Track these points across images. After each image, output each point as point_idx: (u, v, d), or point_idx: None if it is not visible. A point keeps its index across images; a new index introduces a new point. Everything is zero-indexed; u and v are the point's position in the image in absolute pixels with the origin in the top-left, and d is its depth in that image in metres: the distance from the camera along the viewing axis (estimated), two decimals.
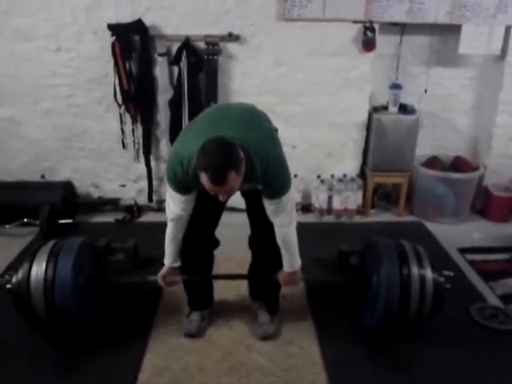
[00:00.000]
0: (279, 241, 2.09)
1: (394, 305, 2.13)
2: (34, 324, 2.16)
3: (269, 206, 2.00)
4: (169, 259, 2.17)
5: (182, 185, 1.94)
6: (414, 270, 2.15)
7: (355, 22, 3.31)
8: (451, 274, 2.24)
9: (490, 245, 3.26)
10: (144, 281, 2.33)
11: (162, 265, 2.19)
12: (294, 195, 2.09)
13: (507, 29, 3.37)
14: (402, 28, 3.44)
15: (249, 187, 1.98)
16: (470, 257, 3.09)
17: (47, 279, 2.07)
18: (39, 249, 2.20)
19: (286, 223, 2.05)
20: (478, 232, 3.45)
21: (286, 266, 2.16)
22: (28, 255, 2.18)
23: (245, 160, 1.78)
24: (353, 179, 3.67)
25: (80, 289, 2.18)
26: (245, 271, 2.46)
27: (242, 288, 2.56)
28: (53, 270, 2.09)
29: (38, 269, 2.10)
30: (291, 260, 2.14)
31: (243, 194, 2.19)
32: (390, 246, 2.26)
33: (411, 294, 2.11)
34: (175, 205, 2.03)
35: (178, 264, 2.20)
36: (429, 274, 2.15)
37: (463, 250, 3.16)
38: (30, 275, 2.09)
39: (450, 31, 3.42)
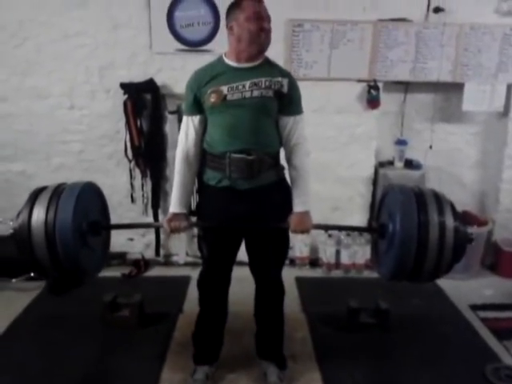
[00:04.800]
0: (297, 170, 2.08)
1: (409, 256, 1.95)
2: (39, 270, 2.05)
3: (291, 125, 2.05)
4: (174, 204, 2.12)
5: (195, 96, 2.03)
6: (434, 216, 1.94)
7: (359, 80, 3.41)
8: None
9: (502, 301, 3.19)
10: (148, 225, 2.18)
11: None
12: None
13: (509, 87, 3.46)
14: (405, 86, 3.53)
15: (274, 84, 2.04)
16: (483, 314, 3.01)
17: (48, 222, 1.93)
18: (41, 191, 2.06)
19: (305, 146, 2.09)
20: (489, 288, 3.39)
21: (299, 204, 2.08)
22: (30, 198, 2.04)
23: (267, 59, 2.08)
24: (361, 233, 3.65)
25: (82, 231, 2.04)
26: (252, 326, 2.41)
27: (248, 345, 2.49)
28: (54, 213, 1.95)
29: (39, 212, 1.96)
30: (305, 194, 2.09)
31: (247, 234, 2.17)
32: (407, 190, 2.09)
33: (429, 244, 1.93)
34: (189, 135, 2.12)
35: (183, 211, 2.13)
36: (450, 221, 1.94)
37: (475, 307, 3.09)
38: (31, 218, 1.95)
39: (452, 89, 3.50)
